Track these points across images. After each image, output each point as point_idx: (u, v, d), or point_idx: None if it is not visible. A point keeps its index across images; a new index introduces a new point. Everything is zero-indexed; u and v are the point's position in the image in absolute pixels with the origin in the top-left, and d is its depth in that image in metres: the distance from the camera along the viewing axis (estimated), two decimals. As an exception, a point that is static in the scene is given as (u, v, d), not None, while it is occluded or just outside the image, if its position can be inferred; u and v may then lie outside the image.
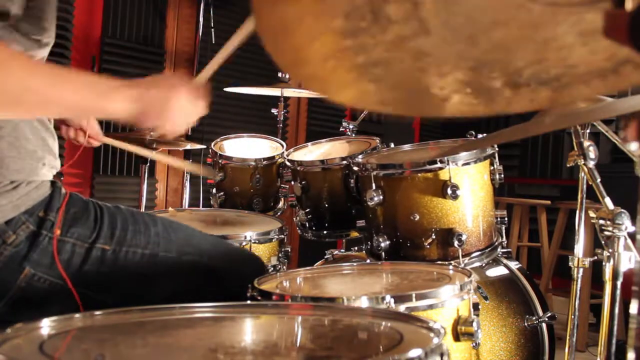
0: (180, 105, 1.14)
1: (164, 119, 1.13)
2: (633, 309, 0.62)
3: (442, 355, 0.70)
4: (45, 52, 1.19)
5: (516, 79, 0.60)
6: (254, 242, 1.81)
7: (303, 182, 2.12)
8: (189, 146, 2.94)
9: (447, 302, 1.16)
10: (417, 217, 1.66)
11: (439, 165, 1.63)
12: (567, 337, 1.61)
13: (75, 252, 1.19)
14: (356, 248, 2.20)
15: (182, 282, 1.32)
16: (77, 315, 0.89)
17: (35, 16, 1.13)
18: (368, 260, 1.85)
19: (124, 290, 1.25)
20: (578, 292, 1.60)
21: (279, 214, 2.47)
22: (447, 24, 0.57)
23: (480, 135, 1.78)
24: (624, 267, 1.32)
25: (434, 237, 1.66)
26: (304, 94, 3.52)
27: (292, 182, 2.19)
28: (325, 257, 2.17)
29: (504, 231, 1.82)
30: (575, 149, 1.47)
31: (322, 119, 4.60)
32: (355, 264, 1.59)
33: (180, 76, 1.18)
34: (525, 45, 0.58)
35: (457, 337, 1.17)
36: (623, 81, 0.59)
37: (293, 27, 0.59)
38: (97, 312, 0.91)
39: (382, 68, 0.60)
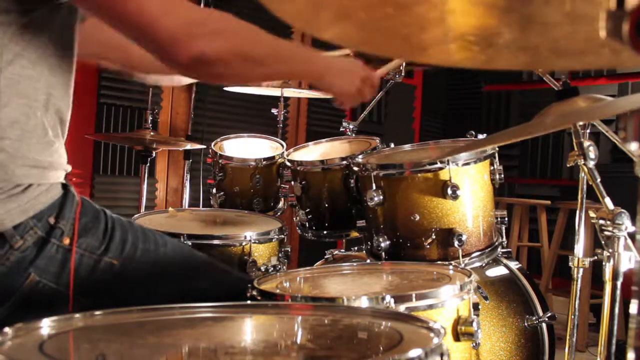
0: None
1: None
2: (633, 309, 0.62)
3: (442, 355, 0.70)
4: None
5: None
6: (254, 242, 1.80)
7: (303, 182, 2.12)
8: (189, 146, 2.94)
9: (447, 302, 1.16)
10: (417, 217, 1.66)
11: (439, 165, 1.63)
12: (567, 337, 1.60)
13: (82, 262, 1.17)
14: (356, 248, 2.20)
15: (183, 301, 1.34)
16: (77, 315, 0.89)
17: None
18: (368, 260, 1.85)
19: (127, 303, 1.26)
20: (578, 292, 1.60)
21: (279, 214, 2.46)
22: None
23: (480, 135, 1.78)
24: (624, 267, 1.32)
25: (434, 237, 1.66)
26: (304, 94, 3.51)
27: (292, 182, 2.19)
28: (325, 257, 2.17)
29: (504, 231, 1.81)
30: (575, 149, 1.46)
31: (322, 119, 4.60)
32: (355, 264, 1.59)
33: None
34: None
35: (457, 337, 1.17)
36: (598, 61, 0.60)
37: None
38: (97, 312, 0.91)
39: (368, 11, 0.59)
